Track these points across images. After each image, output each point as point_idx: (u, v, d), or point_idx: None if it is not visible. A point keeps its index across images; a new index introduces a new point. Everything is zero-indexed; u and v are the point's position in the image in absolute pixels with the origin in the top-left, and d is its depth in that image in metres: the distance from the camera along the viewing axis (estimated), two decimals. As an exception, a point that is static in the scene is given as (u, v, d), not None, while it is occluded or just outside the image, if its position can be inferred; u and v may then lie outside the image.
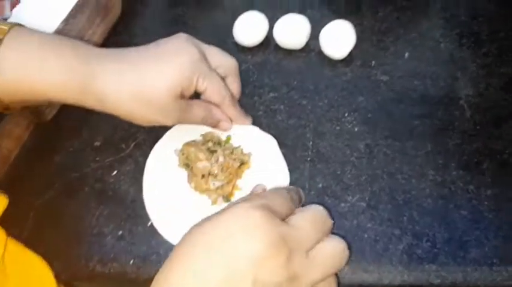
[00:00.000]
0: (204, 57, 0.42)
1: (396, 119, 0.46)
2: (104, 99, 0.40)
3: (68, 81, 0.39)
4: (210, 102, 0.44)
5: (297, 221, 0.30)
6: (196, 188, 0.43)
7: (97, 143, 0.49)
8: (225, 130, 0.46)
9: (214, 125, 0.45)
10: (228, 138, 0.45)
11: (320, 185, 0.43)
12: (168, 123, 0.43)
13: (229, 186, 0.42)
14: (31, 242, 0.42)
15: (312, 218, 0.31)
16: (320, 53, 0.52)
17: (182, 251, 0.29)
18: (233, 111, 0.45)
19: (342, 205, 0.42)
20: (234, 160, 0.43)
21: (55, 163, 0.48)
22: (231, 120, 0.45)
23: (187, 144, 0.44)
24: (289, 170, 0.44)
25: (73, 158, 0.48)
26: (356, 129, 0.46)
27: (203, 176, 0.42)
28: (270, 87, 0.50)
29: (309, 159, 0.45)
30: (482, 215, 0.40)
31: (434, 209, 0.41)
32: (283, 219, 0.30)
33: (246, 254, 0.27)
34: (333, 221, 0.32)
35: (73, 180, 0.47)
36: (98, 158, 0.48)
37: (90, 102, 0.40)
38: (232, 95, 0.45)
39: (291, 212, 0.31)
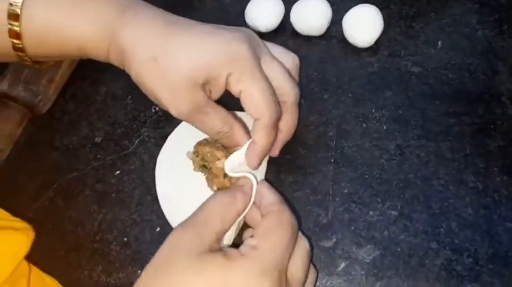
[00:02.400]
0: (255, 59, 0.34)
1: (430, 117, 0.42)
2: (124, 55, 0.34)
3: (97, 30, 0.34)
4: (235, 117, 0.37)
5: (296, 275, 0.30)
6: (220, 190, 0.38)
7: (97, 139, 0.46)
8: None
9: (228, 145, 0.38)
10: None
11: (346, 191, 0.40)
12: (173, 112, 0.34)
13: None
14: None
15: (306, 265, 0.31)
16: (343, 40, 0.48)
17: None
18: (263, 139, 0.35)
19: (371, 213, 0.38)
20: None
21: (52, 162, 0.45)
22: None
23: (200, 144, 0.39)
24: (311, 173, 0.41)
25: (71, 155, 0.46)
26: (385, 127, 0.42)
27: (226, 175, 0.38)
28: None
29: (332, 161, 0.41)
30: (531, 228, 0.36)
31: (475, 220, 0.37)
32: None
33: None
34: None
35: (72, 180, 0.44)
36: (99, 156, 0.45)
37: (114, 59, 0.35)
38: (275, 115, 0.35)
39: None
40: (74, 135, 0.46)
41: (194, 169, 0.39)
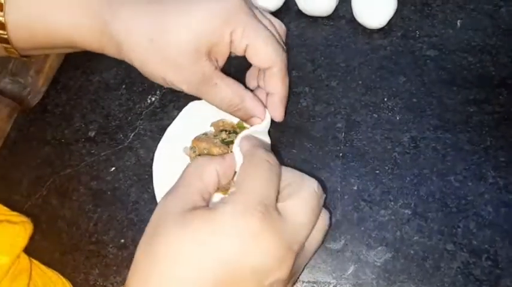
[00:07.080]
0: (251, 9, 0.34)
1: (447, 106, 0.40)
2: (120, 44, 0.34)
3: (86, 22, 0.34)
4: (245, 88, 0.36)
5: (291, 212, 0.29)
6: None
7: (91, 133, 0.44)
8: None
9: (243, 118, 0.37)
10: (240, 122, 0.39)
11: (355, 188, 0.38)
12: (183, 87, 0.35)
13: None
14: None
15: (310, 208, 0.29)
16: (352, 21, 0.45)
17: (162, 254, 0.27)
18: (280, 86, 0.36)
19: (382, 212, 0.37)
20: None
21: (44, 157, 0.44)
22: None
23: (198, 139, 0.37)
24: (317, 168, 0.39)
25: (65, 151, 0.44)
26: (398, 117, 0.40)
27: None
28: (292, 64, 0.43)
29: (340, 155, 0.39)
30: (556, 230, 0.34)
31: (495, 219, 0.35)
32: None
33: (248, 265, 0.27)
34: (325, 196, 0.31)
35: (66, 177, 0.42)
36: (93, 151, 0.43)
37: (109, 49, 0.35)
38: (285, 60, 0.35)
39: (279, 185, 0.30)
40: (67, 129, 0.44)
41: None
